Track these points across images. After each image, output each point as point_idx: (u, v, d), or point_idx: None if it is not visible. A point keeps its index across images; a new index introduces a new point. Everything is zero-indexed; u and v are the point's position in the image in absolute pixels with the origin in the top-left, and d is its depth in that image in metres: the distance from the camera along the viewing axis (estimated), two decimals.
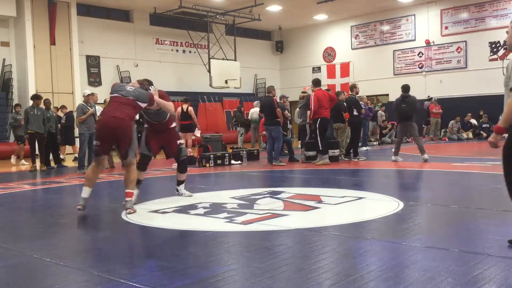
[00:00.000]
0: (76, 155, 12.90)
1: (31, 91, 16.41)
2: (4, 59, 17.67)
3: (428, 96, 19.57)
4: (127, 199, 5.63)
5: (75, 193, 8.31)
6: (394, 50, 23.13)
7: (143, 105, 5.89)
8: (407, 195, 6.56)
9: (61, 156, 12.76)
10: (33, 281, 3.38)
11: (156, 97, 6.09)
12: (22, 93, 17.49)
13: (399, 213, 5.18)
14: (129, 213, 5.50)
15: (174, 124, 6.60)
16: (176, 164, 6.74)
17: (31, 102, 12.26)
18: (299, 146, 13.13)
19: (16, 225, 5.60)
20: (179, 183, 6.65)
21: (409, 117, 10.80)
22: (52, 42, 18.03)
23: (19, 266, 3.74)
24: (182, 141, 6.72)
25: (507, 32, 3.62)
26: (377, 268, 3.33)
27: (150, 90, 6.08)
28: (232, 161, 11.62)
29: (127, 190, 5.68)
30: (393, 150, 11.05)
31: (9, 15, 17.18)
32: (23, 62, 17.58)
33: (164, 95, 6.44)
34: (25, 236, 4.89)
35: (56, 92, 18.10)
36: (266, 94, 11.62)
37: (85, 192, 5.67)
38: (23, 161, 13.63)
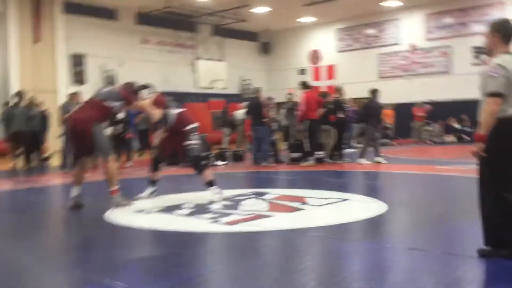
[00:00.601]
0: (46, 155, 12.70)
1: (14, 89, 16.19)
2: None
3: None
4: (113, 196, 5.85)
5: (57, 193, 8.23)
6: (378, 54, 23.29)
7: (114, 104, 5.97)
8: (391, 197, 6.61)
9: (45, 155, 12.52)
10: (14, 282, 3.34)
11: (142, 101, 6.20)
12: (4, 91, 17.24)
13: (383, 215, 5.22)
14: (122, 206, 5.79)
15: (189, 126, 6.35)
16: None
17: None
18: (286, 147, 13.16)
19: None
20: (208, 185, 6.30)
21: (367, 120, 11.27)
22: (36, 40, 17.82)
23: (1, 267, 3.69)
24: (191, 141, 6.31)
25: (486, 37, 3.63)
26: (361, 269, 3.36)
27: (140, 93, 6.27)
28: (217, 162, 11.61)
29: (111, 189, 5.82)
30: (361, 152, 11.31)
31: None
32: (5, 60, 17.32)
33: (161, 101, 6.43)
34: (6, 237, 4.82)
35: (40, 91, 17.87)
36: (253, 95, 11.63)
37: (75, 191, 6.00)
38: None
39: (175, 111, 6.37)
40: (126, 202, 5.96)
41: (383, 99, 19.28)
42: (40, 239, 4.81)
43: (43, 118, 12.77)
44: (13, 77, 17.17)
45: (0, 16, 17.34)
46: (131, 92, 6.27)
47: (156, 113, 6.26)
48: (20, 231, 5.12)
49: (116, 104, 6.02)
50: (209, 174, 6.30)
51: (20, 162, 11.88)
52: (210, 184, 6.24)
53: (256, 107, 11.21)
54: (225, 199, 6.28)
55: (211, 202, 5.96)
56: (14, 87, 16.79)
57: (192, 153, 6.27)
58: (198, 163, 6.34)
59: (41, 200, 7.51)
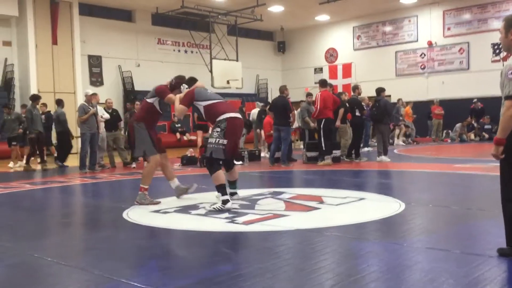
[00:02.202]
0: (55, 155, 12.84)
1: (33, 91, 16.43)
2: (6, 59, 17.70)
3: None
4: (139, 192, 6.07)
5: (76, 192, 8.32)
6: (396, 51, 23.11)
7: (151, 100, 6.13)
8: (408, 196, 6.55)
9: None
10: (34, 280, 3.38)
11: (171, 94, 6.02)
12: (24, 92, 17.51)
13: (401, 214, 5.18)
14: (144, 204, 5.97)
15: (221, 117, 5.68)
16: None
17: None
18: (302, 146, 13.14)
19: (17, 224, 5.60)
20: (230, 184, 6.07)
21: (380, 119, 11.22)
22: (54, 42, 18.05)
23: (20, 266, 3.75)
24: (210, 139, 5.76)
25: (500, 32, 3.51)
26: (379, 269, 3.33)
27: (181, 88, 6.07)
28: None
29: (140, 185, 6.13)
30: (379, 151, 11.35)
31: (11, 14, 17.20)
32: (25, 62, 17.60)
33: (190, 94, 6.06)
34: (26, 236, 4.89)
35: (58, 92, 18.12)
36: (279, 94, 11.44)
37: (173, 184, 6.44)
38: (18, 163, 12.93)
39: (203, 103, 5.80)
40: (149, 201, 6.06)
41: (400, 97, 19.13)
42: (59, 238, 4.87)
43: (49, 119, 13.05)
44: (32, 78, 17.42)
45: (19, 19, 17.60)
46: (167, 86, 6.20)
47: (179, 109, 5.89)
48: (39, 230, 5.19)
49: (152, 100, 6.12)
50: (217, 178, 5.63)
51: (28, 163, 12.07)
52: (217, 189, 5.66)
53: (282, 107, 11.02)
54: (242, 198, 6.28)
55: (212, 206, 5.60)
56: (33, 89, 17.05)
57: (206, 153, 5.94)
58: (207, 165, 5.87)
59: (60, 199, 7.60)
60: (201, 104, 5.80)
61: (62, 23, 18.20)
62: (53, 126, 13.16)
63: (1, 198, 7.51)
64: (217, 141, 5.58)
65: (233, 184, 6.13)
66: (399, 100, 18.40)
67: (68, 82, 18.42)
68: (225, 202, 5.54)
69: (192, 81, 6.15)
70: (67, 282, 3.29)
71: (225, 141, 5.57)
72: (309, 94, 13.16)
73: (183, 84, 6.11)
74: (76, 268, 3.61)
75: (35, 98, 12.18)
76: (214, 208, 5.53)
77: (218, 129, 5.61)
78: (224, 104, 5.84)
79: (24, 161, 12.35)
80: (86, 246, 4.49)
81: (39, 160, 12.30)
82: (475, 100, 19.40)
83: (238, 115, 5.78)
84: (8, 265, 3.77)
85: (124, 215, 5.49)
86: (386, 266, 3.37)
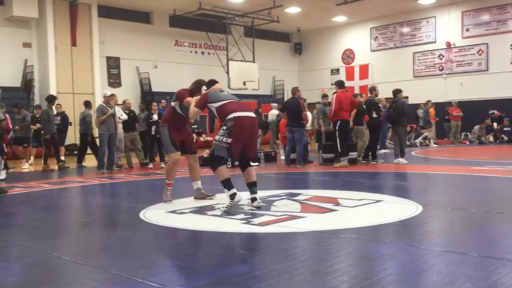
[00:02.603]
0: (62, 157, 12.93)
1: (52, 92, 16.66)
2: (26, 60, 17.96)
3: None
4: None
5: (94, 192, 8.41)
6: (414, 52, 22.93)
7: (173, 104, 6.31)
8: (426, 198, 6.49)
9: (61, 158, 12.71)
10: (52, 279, 3.43)
11: (188, 97, 6.10)
12: (43, 93, 17.75)
13: (418, 216, 5.13)
14: (164, 202, 6.20)
15: (229, 116, 5.61)
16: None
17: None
18: (316, 148, 13.10)
19: (36, 224, 5.68)
20: (248, 187, 5.92)
21: (397, 121, 11.14)
22: (73, 44, 18.28)
23: (39, 264, 3.80)
24: (217, 136, 5.73)
25: None
26: (395, 271, 3.31)
27: (202, 91, 6.13)
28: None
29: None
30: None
31: (32, 16, 17.47)
32: (45, 63, 17.85)
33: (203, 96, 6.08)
34: (45, 235, 4.96)
35: (77, 93, 18.34)
36: (291, 95, 11.45)
37: (195, 185, 6.53)
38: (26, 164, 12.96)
39: (216, 104, 5.78)
40: (167, 199, 6.24)
41: (418, 98, 19.03)
42: (77, 237, 4.93)
43: (64, 120, 13.19)
44: (52, 80, 17.65)
45: (39, 21, 17.86)
46: (187, 90, 6.27)
47: (192, 111, 5.94)
48: (57, 230, 5.25)
49: (174, 103, 6.29)
50: (220, 174, 5.63)
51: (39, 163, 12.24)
52: (223, 185, 5.66)
53: (295, 108, 11.05)
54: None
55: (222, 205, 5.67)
56: (53, 90, 17.29)
57: (211, 150, 5.92)
58: (210, 162, 5.87)
59: (78, 199, 7.69)
60: (214, 106, 5.78)
61: (81, 25, 18.42)
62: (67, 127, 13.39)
63: (20, 198, 7.63)
64: (220, 139, 5.58)
65: (251, 187, 5.84)
66: (428, 102, 18.32)
67: (86, 83, 18.64)
68: (232, 196, 5.53)
69: (210, 83, 6.15)
70: (84, 281, 3.32)
71: (229, 140, 5.53)
72: (324, 96, 13.11)
73: (203, 87, 6.15)
74: (93, 267, 3.65)
75: (51, 99, 12.35)
76: (225, 208, 5.55)
77: (224, 127, 5.59)
78: (234, 103, 5.75)
79: (42, 161, 12.51)
80: (103, 245, 4.54)
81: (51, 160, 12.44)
82: (492, 111, 19.15)
83: (248, 114, 5.68)
84: (28, 263, 3.83)
85: (141, 215, 5.53)
86: (402, 269, 3.35)
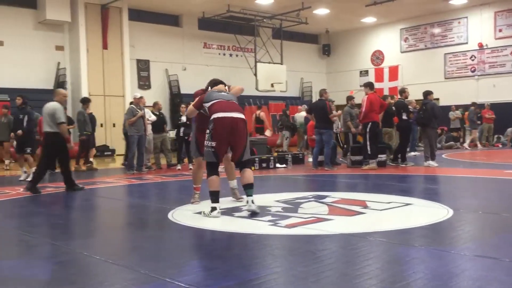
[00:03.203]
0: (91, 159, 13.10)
1: (84, 94, 17.00)
2: (58, 63, 18.37)
3: None
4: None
5: (124, 193, 8.54)
6: (445, 54, 22.55)
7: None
8: (457, 202, 6.37)
9: (90, 159, 12.85)
10: (83, 277, 3.50)
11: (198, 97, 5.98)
12: (75, 95, 18.13)
13: (448, 220, 5.04)
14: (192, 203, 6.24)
15: (211, 118, 5.60)
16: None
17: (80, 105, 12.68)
18: (342, 150, 13.01)
19: (67, 223, 5.80)
20: (244, 189, 5.72)
21: (427, 123, 10.97)
22: (105, 46, 18.62)
23: (70, 263, 3.88)
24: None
25: None
26: (424, 276, 3.26)
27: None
28: (277, 165, 11.63)
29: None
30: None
31: (64, 20, 17.87)
32: (77, 66, 18.23)
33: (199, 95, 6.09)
34: (76, 234, 5.06)
35: (108, 95, 18.67)
36: (319, 97, 11.43)
37: (231, 184, 6.55)
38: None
39: (207, 104, 5.68)
40: (194, 200, 6.30)
41: (449, 100, 18.71)
42: (107, 237, 5.01)
43: (92, 121, 13.33)
44: (83, 82, 18.00)
45: (72, 25, 18.26)
46: (204, 89, 6.28)
47: (188, 109, 6.04)
48: (88, 229, 5.36)
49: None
50: (210, 184, 5.49)
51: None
52: (209, 195, 5.51)
53: (322, 110, 11.01)
54: (285, 201, 6.27)
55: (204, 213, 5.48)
56: (84, 92, 17.64)
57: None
58: (207, 168, 5.70)
59: (107, 199, 7.81)
60: (206, 106, 5.68)
61: (112, 28, 18.75)
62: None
63: (52, 198, 7.80)
64: (206, 144, 5.49)
65: (246, 189, 5.53)
66: (473, 103, 18.08)
67: (117, 86, 18.95)
68: (212, 209, 5.39)
69: (214, 84, 6.08)
70: (114, 280, 3.38)
71: (213, 143, 5.42)
72: (350, 98, 13.02)
73: (209, 87, 6.15)
74: (122, 267, 3.71)
75: (86, 101, 12.58)
76: (203, 212, 5.46)
77: (208, 131, 5.50)
78: (220, 103, 5.57)
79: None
80: (133, 245, 4.60)
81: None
82: None
83: (230, 114, 5.45)
84: (60, 262, 3.92)
85: (169, 215, 5.59)
86: (432, 273, 3.29)
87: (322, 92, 11.38)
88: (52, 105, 7.96)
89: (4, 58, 17.09)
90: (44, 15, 17.51)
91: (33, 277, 3.47)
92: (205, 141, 5.51)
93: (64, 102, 8.46)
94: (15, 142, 11.22)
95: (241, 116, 5.58)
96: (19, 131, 10.41)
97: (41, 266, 3.76)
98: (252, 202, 5.45)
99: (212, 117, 5.49)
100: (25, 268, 3.71)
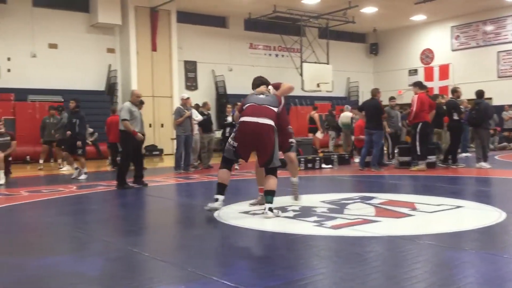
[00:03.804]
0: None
1: None
2: (110, 65, 18.91)
3: None
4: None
5: (171, 192, 8.70)
6: (498, 52, 21.75)
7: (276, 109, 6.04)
8: (509, 205, 6.15)
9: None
10: (133, 273, 3.59)
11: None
12: (125, 96, 18.60)
13: (501, 224, 4.87)
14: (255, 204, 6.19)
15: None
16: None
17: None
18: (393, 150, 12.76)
19: (117, 221, 5.97)
20: (264, 195, 5.84)
21: (479, 123, 10.64)
22: (154, 49, 19.02)
23: (121, 259, 4.00)
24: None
25: None
26: (475, 280, 3.16)
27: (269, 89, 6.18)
28: (323, 165, 11.55)
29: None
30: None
31: (115, 23, 18.38)
32: (127, 68, 18.72)
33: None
34: (126, 231, 5.20)
35: (156, 96, 19.06)
36: (371, 96, 11.24)
37: (293, 180, 6.38)
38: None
39: (244, 107, 5.87)
40: (254, 201, 6.28)
41: (502, 99, 18.05)
42: (155, 234, 5.12)
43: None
44: (133, 83, 18.46)
45: (122, 28, 18.76)
46: None
47: (235, 115, 6.34)
48: (137, 227, 5.49)
49: None
50: (218, 176, 5.85)
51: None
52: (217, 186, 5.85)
53: (374, 109, 10.80)
54: (331, 202, 6.23)
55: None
56: None
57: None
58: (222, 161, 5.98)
59: (155, 198, 7.98)
60: (244, 109, 5.86)
61: (161, 30, 19.13)
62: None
63: (103, 195, 8.05)
64: (229, 141, 5.80)
65: (266, 195, 5.54)
66: None
67: (165, 87, 19.33)
68: (215, 200, 5.68)
69: (254, 85, 6.11)
70: (162, 277, 3.46)
71: (235, 144, 5.67)
72: (392, 98, 12.76)
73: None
74: (170, 264, 3.79)
75: (139, 103, 12.81)
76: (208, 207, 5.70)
77: (234, 131, 5.85)
78: (250, 108, 5.70)
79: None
80: (180, 243, 4.69)
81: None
82: None
83: (254, 119, 5.57)
84: (110, 258, 4.04)
85: (216, 215, 5.65)
86: (483, 278, 3.19)
87: (375, 92, 11.16)
88: (122, 105, 8.61)
89: (58, 60, 17.75)
90: (96, 19, 18.08)
91: (85, 272, 3.59)
92: (230, 139, 5.83)
93: (137, 102, 8.94)
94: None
95: (267, 121, 5.60)
96: (68, 132, 10.80)
97: (93, 262, 3.89)
98: (270, 210, 5.42)
99: (239, 120, 5.76)
100: (77, 264, 3.84)
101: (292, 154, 6.35)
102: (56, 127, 12.97)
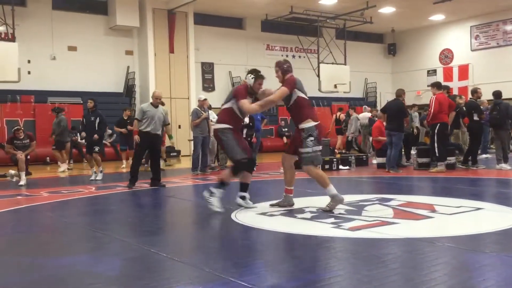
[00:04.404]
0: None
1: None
2: (128, 67, 19.08)
3: None
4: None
5: (188, 193, 8.73)
6: None
7: (230, 103, 5.96)
8: None
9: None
10: (151, 274, 3.61)
11: (241, 98, 5.83)
12: (144, 98, 18.76)
13: None
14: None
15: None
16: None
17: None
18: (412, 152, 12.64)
19: (135, 221, 6.01)
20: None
21: (500, 124, 10.55)
22: (171, 50, 19.14)
23: (138, 259, 4.02)
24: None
25: None
26: (496, 283, 3.11)
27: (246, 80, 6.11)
28: (340, 166, 11.49)
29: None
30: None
31: (133, 25, 18.54)
32: (145, 69, 18.86)
33: (268, 93, 6.12)
34: (143, 232, 5.24)
35: (174, 98, 19.18)
36: (395, 97, 11.08)
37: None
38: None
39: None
40: (277, 202, 6.20)
41: None
42: (173, 235, 5.15)
43: None
44: (151, 85, 18.60)
45: (140, 30, 18.92)
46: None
47: (247, 106, 5.88)
48: (155, 227, 5.52)
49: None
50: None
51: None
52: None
53: (398, 111, 10.62)
54: (348, 204, 6.19)
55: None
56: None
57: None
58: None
59: (173, 199, 8.02)
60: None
61: (178, 32, 19.24)
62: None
63: (122, 196, 8.11)
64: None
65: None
66: None
67: (183, 88, 19.43)
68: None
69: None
70: (180, 277, 3.47)
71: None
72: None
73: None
74: (188, 265, 3.80)
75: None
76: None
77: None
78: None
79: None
80: (197, 244, 4.70)
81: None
82: None
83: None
84: (128, 258, 4.07)
85: (233, 216, 5.66)
86: (504, 281, 3.14)
87: (401, 93, 10.97)
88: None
89: (77, 62, 17.97)
90: (114, 21, 18.25)
91: (103, 272, 3.62)
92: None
93: (157, 104, 9.06)
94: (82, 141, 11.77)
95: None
96: (83, 133, 10.97)
97: (111, 262, 3.92)
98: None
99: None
100: (96, 264, 3.88)
101: (308, 169, 5.76)
102: (57, 129, 13.20)
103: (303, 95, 5.81)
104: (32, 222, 6.11)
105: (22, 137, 10.53)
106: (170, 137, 9.12)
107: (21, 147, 10.38)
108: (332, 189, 5.70)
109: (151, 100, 9.11)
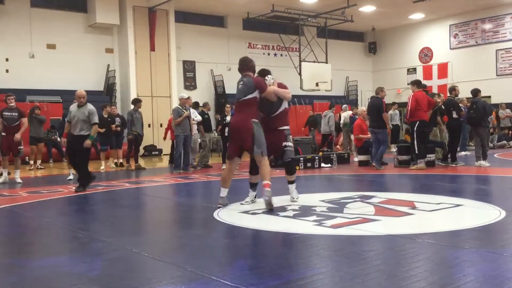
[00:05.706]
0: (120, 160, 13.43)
1: (133, 95, 17.42)
2: (108, 65, 18.90)
3: None
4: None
5: (170, 192, 8.69)
6: (497, 50, 21.76)
7: (254, 95, 6.14)
8: (509, 203, 6.15)
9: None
10: (132, 274, 3.59)
11: (272, 86, 6.49)
12: (124, 96, 18.61)
13: (501, 222, 4.87)
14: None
15: (285, 127, 6.41)
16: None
17: (132, 106, 12.87)
18: (392, 149, 12.78)
19: (117, 221, 5.96)
20: (289, 182, 6.47)
21: (478, 122, 10.66)
22: (152, 48, 19.01)
23: (120, 260, 3.99)
24: (287, 143, 6.33)
25: None
26: (475, 279, 3.16)
27: (266, 79, 6.59)
28: (322, 164, 11.55)
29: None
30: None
31: (113, 23, 18.36)
32: (126, 68, 18.70)
33: (283, 86, 6.63)
34: (125, 231, 5.19)
35: (155, 96, 19.05)
36: (374, 95, 11.23)
37: (223, 192, 6.14)
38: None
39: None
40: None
41: (502, 98, 18.08)
42: (155, 234, 5.12)
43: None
44: (132, 83, 18.46)
45: (120, 28, 18.75)
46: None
47: (288, 93, 6.58)
48: (136, 227, 5.49)
49: (254, 95, 6.21)
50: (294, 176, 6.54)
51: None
52: (291, 182, 6.48)
53: (375, 108, 10.84)
54: (330, 201, 6.22)
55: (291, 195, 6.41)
56: (133, 93, 18.07)
57: (289, 155, 6.35)
58: (292, 165, 6.51)
59: (155, 198, 7.97)
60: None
61: (159, 30, 19.11)
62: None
63: (103, 196, 8.04)
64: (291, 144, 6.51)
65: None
66: None
67: (164, 87, 19.31)
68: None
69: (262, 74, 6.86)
70: (162, 277, 3.45)
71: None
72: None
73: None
74: (170, 264, 3.78)
75: (136, 102, 12.78)
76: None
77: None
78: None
79: (124, 161, 13.16)
80: (180, 243, 4.68)
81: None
82: None
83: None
84: (109, 259, 4.03)
85: (215, 215, 5.65)
86: (483, 277, 3.19)
87: (379, 90, 11.11)
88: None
89: (56, 61, 17.73)
90: (94, 19, 18.05)
91: (85, 273, 3.58)
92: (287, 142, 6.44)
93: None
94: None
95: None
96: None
97: (92, 263, 3.88)
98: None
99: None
100: (77, 264, 3.83)
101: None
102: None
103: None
104: (12, 222, 6.02)
105: (12, 103, 10.08)
106: (91, 137, 8.44)
107: (10, 119, 10.01)
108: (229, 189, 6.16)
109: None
